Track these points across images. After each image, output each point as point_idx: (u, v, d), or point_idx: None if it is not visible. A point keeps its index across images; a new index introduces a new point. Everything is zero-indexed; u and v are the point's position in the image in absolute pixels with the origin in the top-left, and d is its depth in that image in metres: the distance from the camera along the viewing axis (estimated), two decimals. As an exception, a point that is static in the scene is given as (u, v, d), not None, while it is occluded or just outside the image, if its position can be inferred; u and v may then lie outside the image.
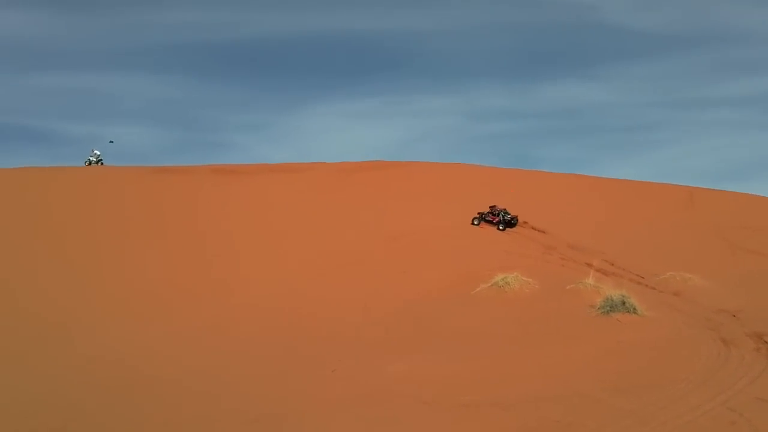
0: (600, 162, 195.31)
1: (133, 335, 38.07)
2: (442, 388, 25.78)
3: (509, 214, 55.35)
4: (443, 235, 52.13)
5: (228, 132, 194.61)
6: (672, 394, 21.84)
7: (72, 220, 57.91)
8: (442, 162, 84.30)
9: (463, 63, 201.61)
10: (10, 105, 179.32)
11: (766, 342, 28.09)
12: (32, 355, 35.49)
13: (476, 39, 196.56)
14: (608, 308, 32.80)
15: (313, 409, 25.37)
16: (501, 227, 54.55)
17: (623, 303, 32.75)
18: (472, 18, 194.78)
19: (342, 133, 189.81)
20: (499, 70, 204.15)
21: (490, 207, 56.41)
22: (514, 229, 54.19)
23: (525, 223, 55.22)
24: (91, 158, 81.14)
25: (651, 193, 74.56)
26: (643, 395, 21.99)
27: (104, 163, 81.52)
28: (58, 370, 33.44)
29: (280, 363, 31.40)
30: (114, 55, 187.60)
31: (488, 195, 61.27)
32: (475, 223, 55.40)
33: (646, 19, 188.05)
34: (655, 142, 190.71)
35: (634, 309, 32.51)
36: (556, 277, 40.46)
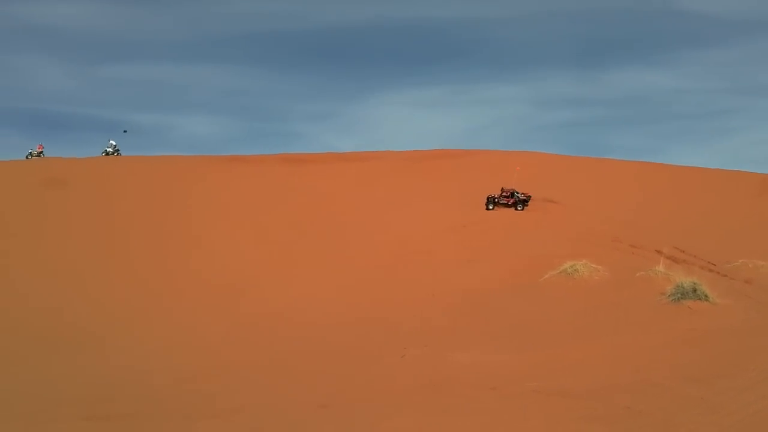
0: (670, 149, 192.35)
1: (211, 322, 38.63)
2: (509, 376, 25.80)
3: (521, 194, 55.37)
4: (510, 223, 51.99)
5: (296, 121, 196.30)
6: (742, 384, 21.53)
7: (144, 210, 59.00)
8: (508, 150, 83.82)
9: (530, 51, 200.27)
10: (82, 96, 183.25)
11: (842, 330, 27.50)
12: (109, 341, 36.41)
13: (544, 26, 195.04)
14: (679, 295, 32.34)
15: (382, 396, 25.59)
16: (519, 207, 54.87)
17: (694, 290, 32.26)
18: (540, 4, 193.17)
19: (409, 121, 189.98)
20: (567, 57, 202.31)
21: (501, 190, 56.20)
22: (581, 217, 53.72)
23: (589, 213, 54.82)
24: (108, 149, 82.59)
25: (723, 180, 73.25)
26: (714, 383, 21.72)
27: (121, 154, 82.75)
28: (133, 358, 34.28)
29: (351, 350, 31.70)
30: (183, 46, 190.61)
31: (552, 182, 60.88)
32: (490, 207, 55.35)
33: (720, 4, 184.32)
34: (728, 130, 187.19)
35: (706, 296, 32.01)
36: (626, 265, 40.04)
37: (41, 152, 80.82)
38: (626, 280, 37.27)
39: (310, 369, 29.95)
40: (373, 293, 41.51)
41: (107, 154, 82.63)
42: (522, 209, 54.38)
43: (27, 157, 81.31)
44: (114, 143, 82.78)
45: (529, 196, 55.50)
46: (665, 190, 66.72)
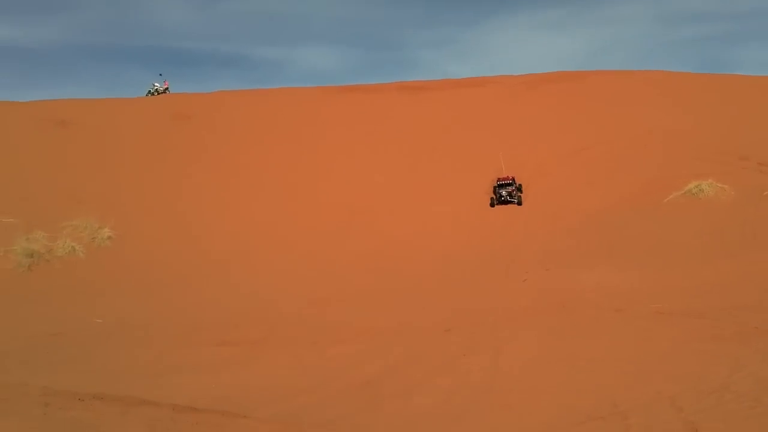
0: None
1: (335, 250, 39.35)
2: (634, 296, 25.71)
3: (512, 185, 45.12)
4: (630, 144, 50.90)
5: (413, 49, 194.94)
6: None
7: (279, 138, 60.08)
8: (630, 69, 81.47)
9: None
10: (204, 31, 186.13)
11: None
12: (234, 270, 37.60)
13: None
14: (810, 213, 31.31)
15: (505, 319, 25.90)
16: (516, 197, 44.48)
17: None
18: None
19: (527, 45, 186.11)
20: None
21: (498, 181, 45.83)
22: (708, 135, 52.01)
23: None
24: (151, 90, 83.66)
25: None
26: None
27: (170, 91, 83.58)
28: (259, 285, 35.39)
29: (473, 275, 31.99)
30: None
31: (677, 100, 59.02)
32: (494, 204, 44.54)
33: None
34: None
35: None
36: (754, 184, 38.87)
37: (167, 89, 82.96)
38: (754, 199, 36.26)
39: (434, 295, 30.40)
40: (491, 219, 41.61)
41: (150, 94, 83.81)
42: (520, 204, 44.25)
43: (148, 94, 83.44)
44: (158, 85, 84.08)
45: (520, 185, 46.07)
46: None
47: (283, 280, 35.88)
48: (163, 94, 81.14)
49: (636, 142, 50.82)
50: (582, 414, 15.36)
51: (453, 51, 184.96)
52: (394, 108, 66.26)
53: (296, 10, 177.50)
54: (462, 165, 49.78)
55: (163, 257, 39.23)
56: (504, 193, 44.17)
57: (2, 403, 9.58)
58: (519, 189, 44.96)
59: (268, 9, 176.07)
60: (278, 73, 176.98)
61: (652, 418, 14.34)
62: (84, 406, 9.71)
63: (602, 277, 28.53)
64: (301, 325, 28.37)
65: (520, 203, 43.93)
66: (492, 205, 44.12)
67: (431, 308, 28.44)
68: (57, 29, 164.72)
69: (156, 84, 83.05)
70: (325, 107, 67.06)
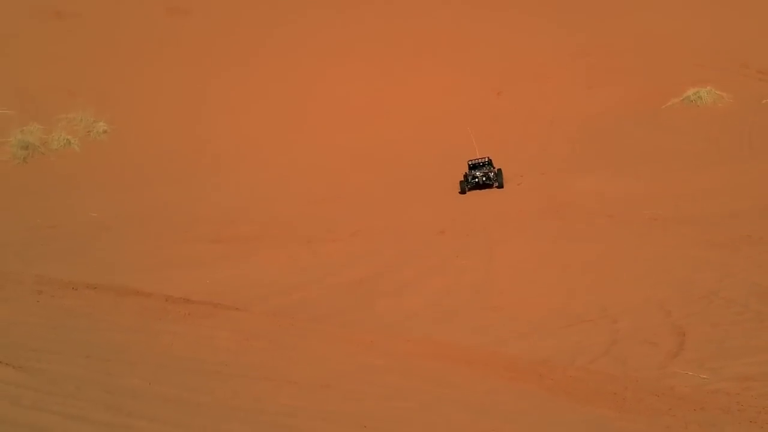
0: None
1: (332, 152, 39.16)
2: (628, 203, 25.81)
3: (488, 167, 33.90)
4: (631, 48, 50.14)
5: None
6: None
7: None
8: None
9: None
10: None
11: None
12: (232, 169, 37.49)
13: None
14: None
15: (498, 223, 26.13)
16: (495, 183, 32.98)
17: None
18: None
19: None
20: None
21: (470, 161, 34.01)
22: (706, 39, 51.08)
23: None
24: None
25: None
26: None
27: None
28: (258, 182, 35.39)
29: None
30: None
31: (679, 7, 57.94)
32: (465, 191, 32.97)
33: None
34: None
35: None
36: (752, 92, 38.53)
37: None
38: (753, 107, 36.08)
39: (429, 196, 30.45)
40: (490, 122, 41.23)
41: None
42: (502, 185, 32.91)
43: None
44: None
45: (499, 169, 33.85)
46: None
47: (281, 179, 35.88)
48: None
49: (636, 46, 50.11)
50: (571, 316, 15.59)
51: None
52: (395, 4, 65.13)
53: None
54: (461, 65, 49.14)
55: (160, 153, 39.03)
56: (479, 174, 32.86)
57: (-4, 291, 9.64)
58: (499, 172, 33.05)
59: None
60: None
61: (641, 321, 14.56)
62: (77, 295, 9.79)
63: (597, 183, 28.59)
64: (297, 223, 28.52)
65: (501, 185, 32.60)
66: (462, 191, 32.48)
67: (426, 210, 28.54)
68: None
69: None
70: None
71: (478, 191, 31.36)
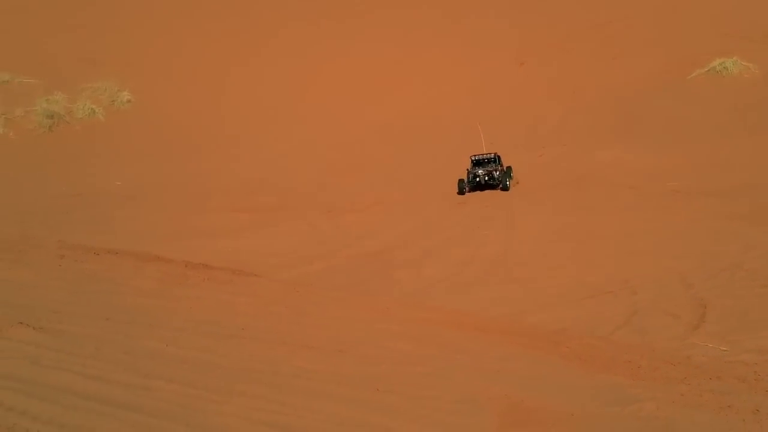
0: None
1: (350, 123, 39.10)
2: (650, 174, 25.62)
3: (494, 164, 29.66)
4: (654, 19, 49.50)
5: None
6: None
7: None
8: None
9: None
10: None
11: None
12: (254, 140, 37.56)
13: None
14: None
15: (519, 195, 26.09)
16: (499, 184, 28.68)
17: None
18: None
19: None
20: None
21: (473, 157, 29.60)
22: (734, 7, 50.20)
23: None
24: None
25: None
26: None
27: None
28: (278, 153, 35.47)
29: (491, 146, 31.78)
30: None
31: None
32: (463, 191, 28.68)
33: None
34: None
35: None
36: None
37: None
38: (779, 79, 35.65)
39: (448, 169, 30.28)
40: (506, 90, 40.90)
41: None
42: (507, 187, 28.52)
43: None
44: None
45: (509, 167, 29.78)
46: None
47: (300, 150, 35.92)
48: None
49: (661, 16, 49.50)
50: (592, 288, 15.51)
51: None
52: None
53: None
54: (481, 36, 48.79)
55: (183, 123, 39.16)
56: (481, 172, 28.53)
57: (20, 254, 9.79)
58: (507, 171, 29.08)
59: None
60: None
61: (662, 293, 14.45)
62: (99, 260, 9.91)
63: (620, 154, 28.39)
64: (317, 194, 28.62)
65: (506, 188, 28.24)
66: (461, 191, 28.39)
67: (446, 182, 28.45)
68: None
69: None
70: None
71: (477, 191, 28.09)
